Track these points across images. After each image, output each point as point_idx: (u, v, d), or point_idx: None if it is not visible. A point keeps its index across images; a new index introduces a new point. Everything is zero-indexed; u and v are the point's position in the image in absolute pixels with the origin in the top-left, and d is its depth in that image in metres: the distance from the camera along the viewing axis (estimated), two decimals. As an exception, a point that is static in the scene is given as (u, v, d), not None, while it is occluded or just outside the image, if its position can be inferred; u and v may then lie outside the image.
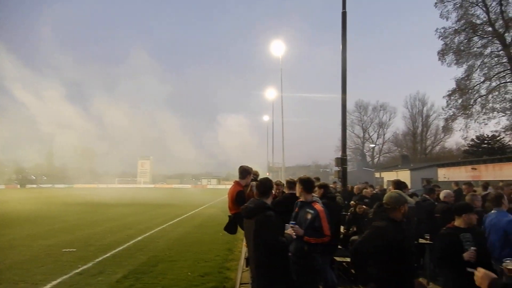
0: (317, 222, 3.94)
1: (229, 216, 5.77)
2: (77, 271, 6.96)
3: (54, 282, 6.21)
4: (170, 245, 9.77)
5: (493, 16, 31.40)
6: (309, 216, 3.99)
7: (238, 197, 5.58)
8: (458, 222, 3.81)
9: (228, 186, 6.14)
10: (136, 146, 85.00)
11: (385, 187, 19.30)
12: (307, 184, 4.24)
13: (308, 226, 3.94)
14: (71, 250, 8.92)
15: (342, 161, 12.01)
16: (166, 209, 21.63)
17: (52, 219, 16.09)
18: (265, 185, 3.46)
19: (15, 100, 66.82)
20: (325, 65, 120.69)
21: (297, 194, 4.48)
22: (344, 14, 11.48)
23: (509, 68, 30.73)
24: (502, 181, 13.08)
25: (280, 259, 3.08)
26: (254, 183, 6.04)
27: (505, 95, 31.88)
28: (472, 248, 3.45)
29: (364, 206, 7.75)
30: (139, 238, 10.85)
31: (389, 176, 37.16)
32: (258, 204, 3.21)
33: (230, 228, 5.86)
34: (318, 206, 4.08)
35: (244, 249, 8.01)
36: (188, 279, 6.47)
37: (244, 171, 5.72)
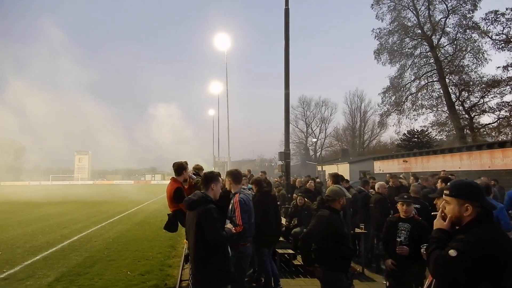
0: (234, 213, 4.19)
1: (168, 214, 5.64)
2: (1, 276, 6.39)
3: (-26, 290, 5.66)
4: (109, 244, 9.34)
5: (422, 20, 33.98)
6: (230, 207, 4.28)
7: (176, 194, 5.47)
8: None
9: None
10: (69, 139, 79.69)
11: (326, 180, 20.11)
12: (234, 176, 4.49)
13: (230, 216, 4.20)
14: (-6, 254, 8.18)
15: (285, 155, 12.27)
16: (105, 207, 20.64)
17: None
18: (208, 178, 3.48)
19: None
20: (272, 60, 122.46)
21: (226, 187, 4.61)
22: (287, 11, 11.69)
23: (435, 68, 33.43)
24: (426, 172, 14.25)
25: (219, 252, 3.12)
26: (194, 177, 5.99)
27: (432, 93, 34.72)
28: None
29: (305, 199, 7.99)
30: (75, 238, 10.24)
31: (330, 169, 38.74)
32: (200, 196, 3.23)
33: (170, 226, 5.74)
34: (236, 198, 4.22)
35: (185, 246, 7.90)
36: (127, 279, 6.23)
37: (179, 168, 5.62)
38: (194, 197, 3.22)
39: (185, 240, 5.88)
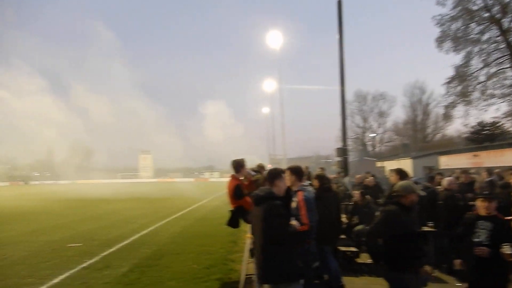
0: (298, 211, 4.09)
1: (230, 211, 5.79)
2: (83, 265, 7.02)
3: (61, 277, 6.27)
4: (174, 239, 9.84)
5: (490, 2, 31.12)
6: (294, 205, 4.14)
7: (236, 191, 5.60)
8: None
9: None
10: (132, 140, 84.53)
11: (386, 176, 19.34)
12: (297, 172, 4.40)
13: (295, 214, 4.07)
14: (76, 245, 8.99)
15: (343, 151, 12.02)
16: (168, 203, 21.73)
17: (55, 215, 16.18)
18: (272, 174, 3.51)
19: None
20: (325, 55, 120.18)
21: (288, 183, 4.58)
22: (339, 4, 11.41)
23: (507, 54, 30.53)
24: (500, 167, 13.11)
25: (287, 247, 3.12)
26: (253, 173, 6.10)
27: (504, 81, 31.69)
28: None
29: (364, 196, 7.77)
30: (143, 232, 10.92)
31: (390, 165, 37.16)
32: (266, 192, 3.27)
33: (232, 222, 5.90)
34: (300, 195, 4.16)
35: (248, 241, 8.06)
36: (193, 272, 6.53)
37: (237, 165, 5.74)
38: (261, 192, 3.28)
39: (248, 235, 6.00)
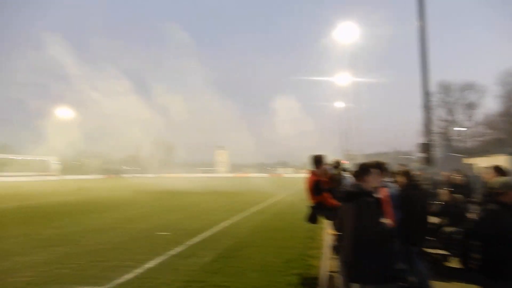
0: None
1: (309, 207, 5.80)
2: (172, 253, 7.59)
3: (154, 262, 6.86)
4: (253, 232, 10.14)
5: None
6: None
7: (315, 187, 5.57)
8: None
9: (305, 175, 6.16)
10: (209, 136, 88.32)
11: (476, 173, 17.61)
12: (380, 168, 4.17)
13: None
14: (164, 233, 9.75)
15: (427, 147, 11.27)
16: (245, 197, 22.41)
17: (144, 205, 17.72)
18: (362, 169, 3.39)
19: (89, 97, 72.87)
20: (403, 45, 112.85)
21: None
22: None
23: None
24: None
25: (379, 246, 3.03)
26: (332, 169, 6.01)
27: None
28: None
29: (453, 195, 7.20)
30: (223, 224, 11.43)
31: (481, 162, 33.73)
32: (359, 188, 3.20)
33: (312, 218, 5.90)
34: (384, 191, 3.97)
35: (327, 238, 8.00)
36: (273, 265, 6.68)
37: (317, 160, 5.70)
38: (352, 188, 3.22)
39: (330, 231, 5.96)
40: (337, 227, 3.73)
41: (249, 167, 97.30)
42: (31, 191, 30.60)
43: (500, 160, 33.50)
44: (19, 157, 77.35)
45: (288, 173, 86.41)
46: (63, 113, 74.01)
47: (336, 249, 4.40)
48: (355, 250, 3.04)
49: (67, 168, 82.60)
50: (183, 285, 5.58)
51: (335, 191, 5.58)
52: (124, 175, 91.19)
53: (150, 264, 6.75)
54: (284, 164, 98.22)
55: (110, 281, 5.68)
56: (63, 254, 7.49)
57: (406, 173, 5.40)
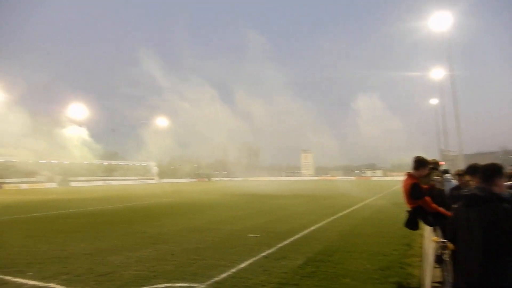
0: None
1: (408, 211, 5.41)
2: (263, 254, 7.74)
3: (246, 263, 7.06)
4: (343, 236, 9.85)
5: None
6: None
7: (413, 190, 5.18)
8: None
9: (396, 177, 5.77)
10: (294, 140, 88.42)
11: None
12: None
13: None
14: (255, 235, 10.00)
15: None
16: (332, 201, 21.93)
17: (234, 207, 18.46)
18: (491, 171, 2.86)
19: (180, 106, 77.97)
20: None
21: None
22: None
23: None
24: None
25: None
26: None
27: None
28: None
29: None
30: (312, 227, 11.31)
31: None
32: (489, 192, 2.72)
33: (411, 224, 5.50)
34: None
35: (428, 245, 7.40)
36: (367, 271, 6.39)
37: (419, 162, 5.27)
38: (480, 192, 2.76)
39: (431, 238, 5.50)
40: (448, 235, 3.30)
41: (334, 170, 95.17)
42: (134, 193, 34.04)
43: None
44: (124, 163, 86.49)
45: (376, 176, 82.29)
46: (159, 122, 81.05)
47: (440, 259, 3.96)
48: (484, 264, 2.63)
49: (164, 172, 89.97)
50: (276, 287, 5.64)
51: (438, 195, 5.14)
52: (214, 179, 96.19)
53: (243, 264, 6.96)
54: (372, 166, 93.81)
55: (208, 279, 6.00)
56: (166, 251, 8.14)
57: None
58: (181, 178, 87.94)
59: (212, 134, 76.14)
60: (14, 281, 6.11)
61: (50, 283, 5.95)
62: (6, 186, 56.53)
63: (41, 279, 6.14)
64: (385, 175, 79.48)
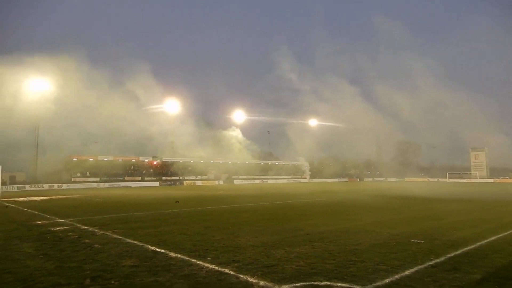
0: None
1: None
2: (430, 263, 7.03)
3: (411, 270, 6.54)
4: (535, 252, 8.11)
5: None
6: None
7: None
8: None
9: None
10: (459, 136, 76.95)
11: None
12: None
13: None
14: (418, 241, 9.18)
15: None
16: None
17: (389, 210, 17.39)
18: None
19: (326, 106, 76.84)
20: None
21: None
22: None
23: None
24: None
25: None
26: None
27: None
28: None
29: None
30: (490, 238, 9.68)
31: None
32: None
33: None
34: None
35: None
36: None
37: None
38: None
39: None
40: None
41: (514, 172, 79.46)
42: (289, 192, 35.70)
43: None
44: (277, 163, 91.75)
45: None
46: (309, 122, 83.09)
47: None
48: None
49: (314, 172, 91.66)
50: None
51: None
52: (366, 179, 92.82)
53: (407, 271, 6.47)
54: None
55: (370, 282, 5.81)
56: (323, 250, 8.25)
57: None
58: (332, 178, 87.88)
59: (363, 132, 73.70)
60: (197, 263, 7.19)
61: (225, 268, 6.77)
62: (185, 183, 67.46)
63: (217, 264, 7.05)
64: None
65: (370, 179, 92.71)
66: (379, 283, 5.78)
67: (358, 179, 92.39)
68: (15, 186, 50.95)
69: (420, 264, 6.94)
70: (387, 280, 5.93)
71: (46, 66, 51.12)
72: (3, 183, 36.52)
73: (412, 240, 9.29)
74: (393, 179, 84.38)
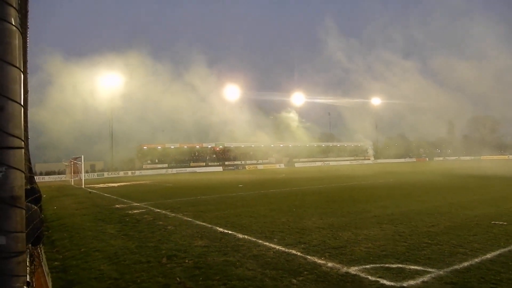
0: None
1: None
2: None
3: (494, 253, 6.05)
4: None
5: None
6: None
7: None
8: None
9: None
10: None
11: None
12: None
13: None
14: (501, 223, 8.45)
15: None
16: None
17: (467, 190, 16.18)
18: None
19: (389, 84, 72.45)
20: None
21: None
22: None
23: None
24: None
25: None
26: None
27: None
28: None
29: None
30: None
31: None
32: None
33: None
34: None
35: None
36: None
37: None
38: None
39: None
40: None
41: None
42: (352, 174, 34.80)
43: None
44: (339, 144, 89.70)
45: None
46: (373, 101, 79.67)
47: None
48: None
49: (380, 152, 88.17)
50: (542, 288, 4.60)
51: None
52: (436, 158, 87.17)
53: (488, 255, 6.00)
54: None
55: (447, 266, 5.47)
56: (393, 232, 7.93)
57: None
58: (398, 158, 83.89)
59: (434, 109, 69.01)
60: (265, 244, 7.34)
61: (292, 250, 6.82)
62: (247, 167, 68.91)
63: (284, 246, 7.14)
64: None
65: (441, 158, 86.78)
66: (457, 267, 5.42)
67: (427, 159, 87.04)
68: (95, 173, 56.13)
69: (504, 247, 6.39)
70: (466, 264, 5.55)
71: (116, 64, 55.00)
72: (85, 172, 40.36)
73: (494, 222, 8.58)
74: (467, 158, 78.28)
